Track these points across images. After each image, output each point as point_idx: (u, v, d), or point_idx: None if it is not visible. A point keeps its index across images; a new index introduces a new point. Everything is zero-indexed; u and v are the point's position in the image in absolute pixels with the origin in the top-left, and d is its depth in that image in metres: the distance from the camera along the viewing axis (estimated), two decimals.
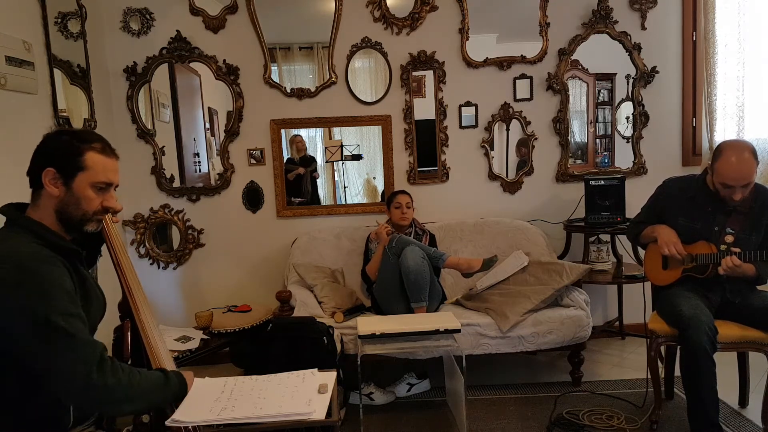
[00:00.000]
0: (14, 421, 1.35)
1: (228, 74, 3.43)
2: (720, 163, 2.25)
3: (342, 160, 3.60)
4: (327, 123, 3.55)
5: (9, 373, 1.31)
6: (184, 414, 1.40)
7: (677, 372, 2.36)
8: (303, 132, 3.59)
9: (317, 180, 3.64)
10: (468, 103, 3.56)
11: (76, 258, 1.43)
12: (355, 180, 3.69)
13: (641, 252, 3.15)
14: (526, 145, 3.62)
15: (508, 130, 3.61)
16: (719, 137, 3.33)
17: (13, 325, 1.24)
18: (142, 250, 3.50)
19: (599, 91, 3.64)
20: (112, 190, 1.48)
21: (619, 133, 3.65)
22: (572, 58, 3.53)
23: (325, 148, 3.60)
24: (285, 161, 3.55)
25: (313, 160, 3.62)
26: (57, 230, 1.41)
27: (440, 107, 3.55)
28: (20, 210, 1.43)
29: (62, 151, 1.39)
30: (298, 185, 3.61)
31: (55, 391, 1.30)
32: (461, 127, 3.58)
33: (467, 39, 3.50)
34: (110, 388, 1.28)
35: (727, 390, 2.53)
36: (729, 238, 2.35)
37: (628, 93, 3.58)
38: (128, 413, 1.42)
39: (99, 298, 1.53)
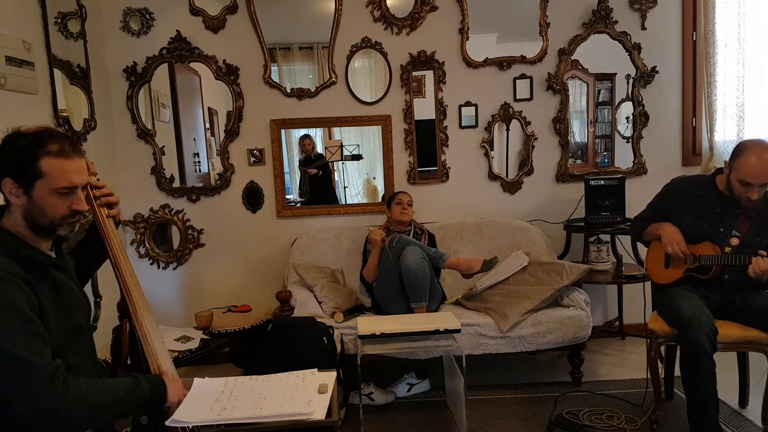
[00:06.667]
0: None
1: (228, 74, 3.43)
2: (741, 160, 2.25)
3: (342, 160, 3.60)
4: (327, 123, 3.55)
5: None
6: (184, 414, 1.40)
7: (677, 372, 2.36)
8: (303, 132, 3.59)
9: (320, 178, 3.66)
10: (468, 103, 3.56)
11: (48, 267, 1.38)
12: (355, 180, 3.69)
13: (641, 252, 3.15)
14: (525, 144, 3.62)
15: (508, 130, 3.61)
16: (719, 137, 3.33)
17: None
18: (142, 250, 3.50)
19: (599, 91, 3.64)
20: (79, 192, 1.40)
21: (619, 133, 3.65)
22: (572, 58, 3.53)
23: (325, 148, 3.60)
24: (300, 163, 3.61)
25: (321, 156, 3.64)
26: (30, 237, 1.37)
27: (440, 107, 3.55)
28: (1, 214, 1.39)
29: (16, 159, 1.32)
30: (317, 185, 3.63)
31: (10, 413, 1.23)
32: (461, 127, 3.58)
33: (467, 39, 3.50)
34: (57, 411, 1.22)
35: (727, 390, 2.52)
36: (734, 241, 2.34)
37: (628, 93, 3.58)
38: (93, 429, 1.36)
39: (81, 301, 1.49)
